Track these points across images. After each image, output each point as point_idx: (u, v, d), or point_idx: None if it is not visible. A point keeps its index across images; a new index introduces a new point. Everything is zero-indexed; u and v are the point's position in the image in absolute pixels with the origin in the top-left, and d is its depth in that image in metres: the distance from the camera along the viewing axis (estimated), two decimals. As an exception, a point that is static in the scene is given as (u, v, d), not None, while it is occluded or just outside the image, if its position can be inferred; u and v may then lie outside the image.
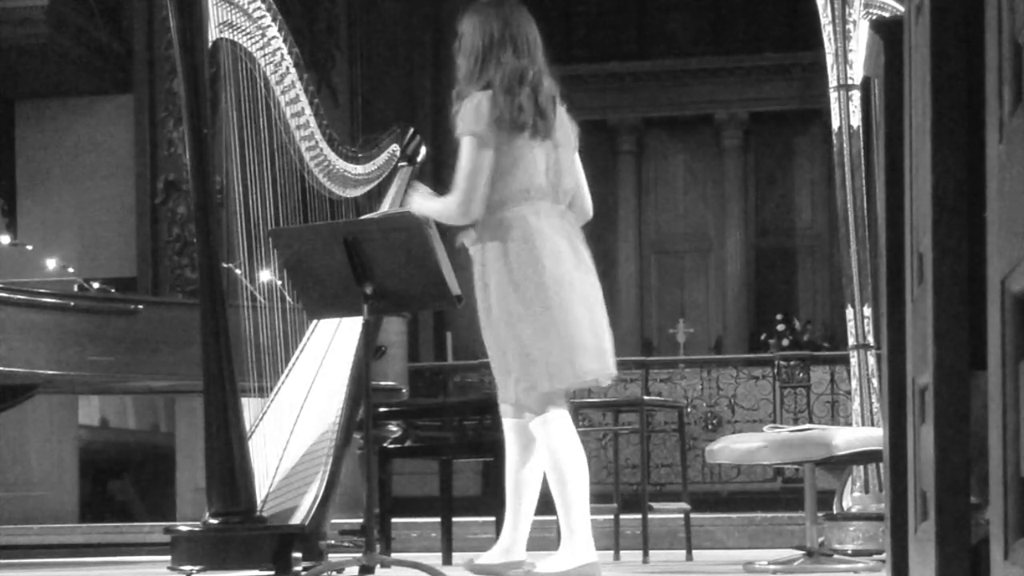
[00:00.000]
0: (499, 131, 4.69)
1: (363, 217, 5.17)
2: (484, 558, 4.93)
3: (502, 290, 4.66)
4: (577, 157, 4.94)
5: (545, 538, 7.71)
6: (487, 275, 4.72)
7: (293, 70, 5.17)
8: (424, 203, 4.88)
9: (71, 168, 12.97)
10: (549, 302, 4.62)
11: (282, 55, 5.15)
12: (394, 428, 6.65)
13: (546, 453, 4.69)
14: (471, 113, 4.70)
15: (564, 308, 4.62)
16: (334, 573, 5.04)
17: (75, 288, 8.99)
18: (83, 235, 12.78)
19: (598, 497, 9.26)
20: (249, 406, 5.18)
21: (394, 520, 6.62)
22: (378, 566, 5.14)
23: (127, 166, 12.79)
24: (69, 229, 12.75)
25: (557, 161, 4.81)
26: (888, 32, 3.26)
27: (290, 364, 5.37)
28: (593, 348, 4.65)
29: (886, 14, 6.16)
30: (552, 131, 4.79)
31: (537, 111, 4.75)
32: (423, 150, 5.50)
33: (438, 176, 8.41)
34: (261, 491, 4.99)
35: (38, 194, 13.04)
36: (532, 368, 4.64)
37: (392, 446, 6.44)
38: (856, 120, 6.20)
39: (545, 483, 4.80)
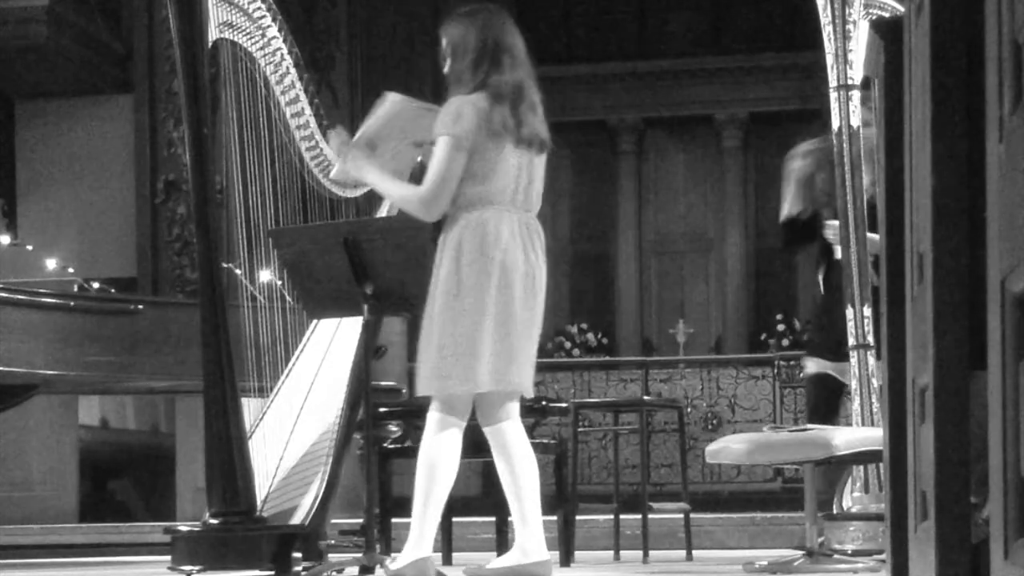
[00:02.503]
0: (485, 137, 4.74)
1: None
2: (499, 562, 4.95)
3: (448, 287, 4.72)
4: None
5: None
6: (439, 270, 4.78)
7: (293, 70, 5.17)
8: (385, 181, 4.92)
9: (71, 168, 12.96)
10: (485, 310, 4.68)
11: (282, 55, 5.15)
12: (394, 428, 6.65)
13: (423, 449, 4.81)
14: (451, 115, 4.75)
15: (498, 321, 4.70)
16: (334, 573, 5.04)
17: (75, 288, 9.00)
18: (83, 235, 12.77)
19: (598, 497, 9.26)
20: (249, 406, 5.18)
21: (394, 520, 6.61)
22: (378, 566, 5.14)
23: (127, 166, 12.78)
24: (69, 229, 12.74)
25: (533, 170, 4.87)
26: (888, 32, 3.26)
27: (290, 364, 5.37)
28: (497, 364, 4.72)
29: (886, 14, 6.16)
30: (535, 141, 4.84)
31: (530, 122, 4.81)
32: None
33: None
34: (261, 491, 4.99)
35: (38, 194, 13.04)
36: (444, 366, 4.72)
37: (392, 446, 6.44)
38: (856, 120, 6.19)
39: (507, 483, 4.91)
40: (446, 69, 4.89)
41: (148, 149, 12.59)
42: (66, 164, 12.96)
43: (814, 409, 6.57)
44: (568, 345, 15.63)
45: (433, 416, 4.81)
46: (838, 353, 6.39)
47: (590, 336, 15.93)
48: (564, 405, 6.99)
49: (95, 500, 11.06)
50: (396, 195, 4.90)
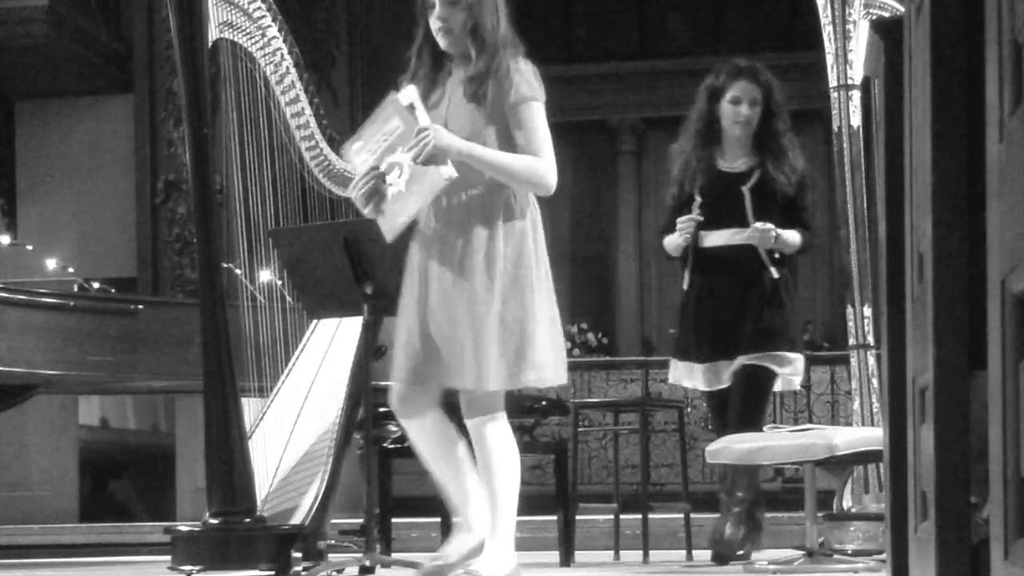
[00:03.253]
0: None
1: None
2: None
3: (533, 274, 4.35)
4: None
5: (545, 538, 7.71)
6: (489, 253, 4.32)
7: (293, 70, 5.16)
8: (494, 152, 4.32)
9: (71, 168, 12.97)
10: (542, 295, 4.36)
11: (282, 55, 5.14)
12: (394, 428, 6.63)
13: (491, 453, 4.45)
14: (536, 80, 4.36)
15: (551, 305, 4.39)
16: (334, 573, 5.04)
17: (75, 288, 9.00)
18: (83, 235, 12.78)
19: (598, 497, 9.25)
20: (249, 406, 5.18)
21: (394, 520, 6.61)
22: (378, 566, 5.14)
23: (127, 166, 12.78)
24: (69, 229, 12.74)
25: None
26: (888, 32, 3.26)
27: (290, 364, 5.37)
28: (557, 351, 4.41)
29: (886, 14, 6.16)
30: None
31: None
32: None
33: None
34: (261, 491, 4.99)
35: (38, 194, 13.04)
36: (538, 358, 4.32)
37: (392, 446, 6.44)
38: (856, 120, 6.20)
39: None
40: (478, 22, 4.34)
41: (148, 149, 12.60)
42: (66, 164, 12.96)
43: (719, 429, 5.95)
44: (568, 345, 15.63)
45: (497, 420, 4.42)
46: (708, 355, 5.90)
47: (590, 336, 15.93)
48: (564, 405, 6.99)
49: (95, 500, 11.07)
50: (514, 167, 4.30)
